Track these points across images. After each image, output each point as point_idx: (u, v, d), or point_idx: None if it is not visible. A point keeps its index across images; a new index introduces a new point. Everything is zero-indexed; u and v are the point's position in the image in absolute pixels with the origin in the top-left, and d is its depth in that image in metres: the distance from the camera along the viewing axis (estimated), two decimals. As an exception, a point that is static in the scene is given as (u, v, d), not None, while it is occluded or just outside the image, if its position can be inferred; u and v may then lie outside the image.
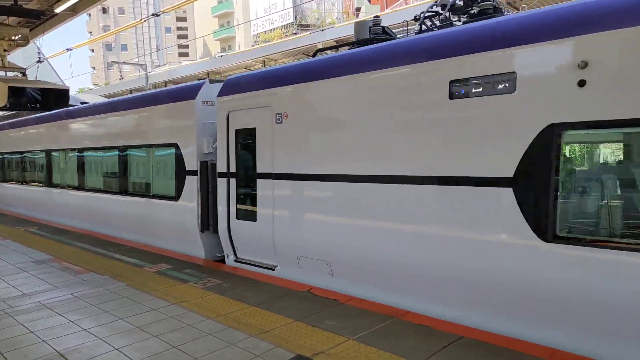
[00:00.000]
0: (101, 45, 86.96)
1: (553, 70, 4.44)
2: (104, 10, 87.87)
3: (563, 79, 4.37)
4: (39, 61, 17.02)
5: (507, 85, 4.75)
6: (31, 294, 6.47)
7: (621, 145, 4.58)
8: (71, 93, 10.55)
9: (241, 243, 7.84)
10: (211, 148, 8.48)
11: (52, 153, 13.94)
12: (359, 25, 7.28)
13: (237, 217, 7.80)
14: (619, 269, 4.08)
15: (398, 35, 7.06)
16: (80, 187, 12.39)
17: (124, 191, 10.50)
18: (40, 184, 14.78)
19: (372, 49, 6.19)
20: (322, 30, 23.61)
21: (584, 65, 4.24)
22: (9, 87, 10.36)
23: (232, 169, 7.85)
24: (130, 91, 33.47)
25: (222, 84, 8.15)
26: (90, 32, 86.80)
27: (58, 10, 11.25)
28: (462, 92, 5.07)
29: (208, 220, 8.46)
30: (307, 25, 48.19)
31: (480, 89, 4.93)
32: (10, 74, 12.30)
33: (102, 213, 11.40)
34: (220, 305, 5.76)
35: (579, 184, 4.66)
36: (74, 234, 11.27)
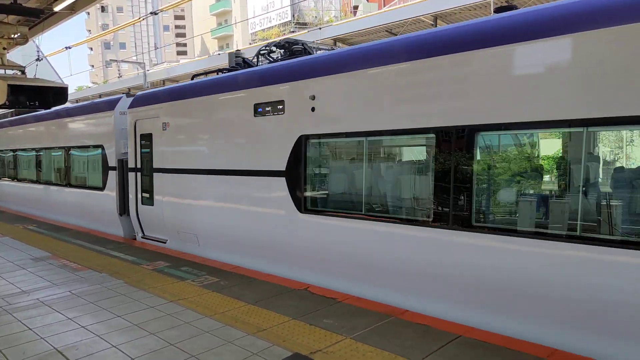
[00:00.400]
0: (100, 43, 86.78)
1: (301, 98, 6.68)
2: (103, 9, 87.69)
3: (304, 105, 6.61)
4: (38, 59, 17.02)
5: (281, 108, 6.99)
6: (30, 291, 6.49)
7: (341, 148, 6.83)
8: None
9: (145, 223, 10.02)
10: (126, 148, 10.50)
11: (18, 152, 16.27)
12: (230, 55, 9.56)
13: (142, 203, 9.98)
14: (341, 230, 6.26)
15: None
16: (37, 181, 14.82)
17: (67, 184, 13.00)
18: (7, 179, 17.01)
19: (213, 79, 8.67)
20: (320, 28, 23.57)
21: (313, 97, 6.49)
22: (8, 85, 10.36)
23: (138, 165, 10.04)
24: (129, 90, 33.43)
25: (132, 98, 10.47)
26: (89, 31, 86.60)
27: (57, 8, 11.21)
28: (260, 111, 7.33)
29: (124, 206, 10.61)
30: (305, 24, 48.10)
31: (270, 109, 7.17)
32: (9, 72, 12.29)
33: (53, 202, 13.84)
34: (217, 303, 5.77)
35: (319, 175, 6.89)
36: (72, 231, 11.28)
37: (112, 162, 10.81)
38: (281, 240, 7.06)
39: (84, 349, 4.52)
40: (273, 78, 7.25)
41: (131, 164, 10.22)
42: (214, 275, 7.06)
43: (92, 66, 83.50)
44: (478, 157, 5.09)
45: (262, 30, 54.28)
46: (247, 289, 6.35)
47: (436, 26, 17.26)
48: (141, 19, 22.37)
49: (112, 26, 77.91)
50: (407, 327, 4.86)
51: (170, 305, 5.74)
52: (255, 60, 8.93)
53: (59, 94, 11.21)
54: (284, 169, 6.92)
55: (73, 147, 12.58)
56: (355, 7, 48.13)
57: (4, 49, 11.76)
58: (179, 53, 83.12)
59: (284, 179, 6.93)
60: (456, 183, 5.10)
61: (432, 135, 5.32)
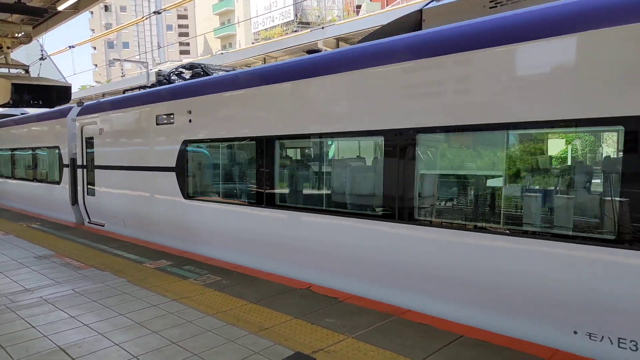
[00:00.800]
0: (103, 42, 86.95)
1: (183, 112, 8.82)
2: (106, 8, 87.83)
3: (185, 118, 8.78)
4: (41, 58, 17.09)
5: (172, 118, 9.16)
6: (33, 289, 6.51)
7: (209, 149, 8.85)
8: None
9: (90, 210, 12.27)
10: (76, 149, 12.69)
11: None
12: (156, 73, 11.74)
13: (87, 194, 12.23)
14: (211, 211, 8.43)
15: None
16: (13, 177, 17.12)
17: (34, 179, 15.30)
18: None
19: (130, 94, 11.02)
20: (323, 27, 23.60)
21: (190, 112, 8.67)
22: (12, 84, 10.41)
23: (84, 163, 12.34)
24: (132, 89, 33.42)
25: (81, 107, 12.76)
26: (93, 30, 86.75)
27: (61, 7, 11.25)
28: (160, 120, 9.43)
29: (75, 197, 12.88)
30: (308, 23, 48.14)
31: (166, 120, 9.28)
32: (13, 71, 12.35)
33: (23, 195, 16.18)
34: (219, 302, 5.79)
35: (196, 170, 9.02)
36: (75, 229, 11.32)
37: (65, 160, 13.14)
38: (175, 220, 9.27)
39: (87, 347, 4.54)
40: (167, 96, 9.42)
41: (79, 162, 12.54)
42: (216, 274, 7.08)
43: (96, 65, 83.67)
44: (279, 156, 7.41)
45: (265, 29, 54.29)
46: (249, 287, 6.36)
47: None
48: (144, 18, 22.40)
49: (115, 25, 78.02)
50: (409, 327, 4.87)
51: (172, 304, 5.76)
52: (170, 78, 11.11)
53: (62, 92, 11.29)
54: (174, 165, 9.11)
55: (38, 148, 14.96)
56: (358, 7, 48.12)
57: (8, 48, 11.81)
58: (181, 52, 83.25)
59: (174, 173, 9.13)
60: (267, 175, 7.33)
61: (254, 142, 7.53)
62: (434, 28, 5.58)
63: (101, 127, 11.35)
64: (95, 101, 12.51)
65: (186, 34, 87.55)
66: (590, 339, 4.33)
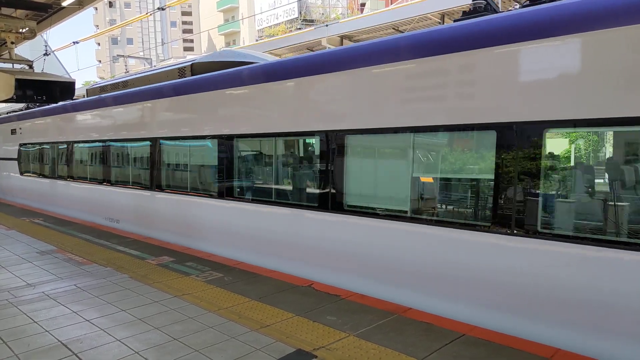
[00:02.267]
0: (107, 39, 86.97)
1: (19, 128, 17.44)
2: (111, 4, 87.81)
3: (19, 130, 17.45)
4: (45, 54, 17.13)
5: (15, 131, 17.22)
6: (35, 284, 6.53)
7: (36, 149, 16.28)
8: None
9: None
10: None
11: None
12: None
13: None
14: (35, 183, 16.11)
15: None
16: None
17: None
18: None
19: (5, 116, 18.76)
20: (327, 25, 23.50)
21: (20, 128, 17.66)
22: (16, 80, 10.42)
23: None
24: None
25: None
26: (97, 26, 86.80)
27: (65, 3, 11.24)
28: (13, 131, 17.45)
29: None
30: (312, 21, 47.98)
31: (15, 131, 17.41)
32: (17, 66, 12.37)
33: None
34: (221, 299, 5.79)
35: (26, 159, 16.75)
36: (78, 225, 11.34)
37: None
38: (19, 187, 16.75)
39: (89, 342, 4.55)
40: (14, 118, 16.78)
41: None
42: (218, 270, 7.08)
43: (100, 61, 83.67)
44: (57, 152, 14.07)
45: (269, 27, 54.17)
46: (250, 284, 6.36)
47: (443, 23, 17.13)
48: (148, 14, 22.41)
49: (119, 22, 78.06)
50: (410, 325, 4.86)
51: (174, 300, 5.76)
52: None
53: (66, 88, 11.30)
54: (17, 157, 16.61)
55: None
56: (363, 5, 47.94)
57: (12, 43, 11.83)
58: (185, 49, 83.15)
59: (17, 161, 16.64)
60: (56, 163, 14.22)
61: (49, 146, 14.63)
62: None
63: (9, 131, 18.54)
64: (2, 116, 19.49)
65: (190, 31, 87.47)
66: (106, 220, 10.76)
